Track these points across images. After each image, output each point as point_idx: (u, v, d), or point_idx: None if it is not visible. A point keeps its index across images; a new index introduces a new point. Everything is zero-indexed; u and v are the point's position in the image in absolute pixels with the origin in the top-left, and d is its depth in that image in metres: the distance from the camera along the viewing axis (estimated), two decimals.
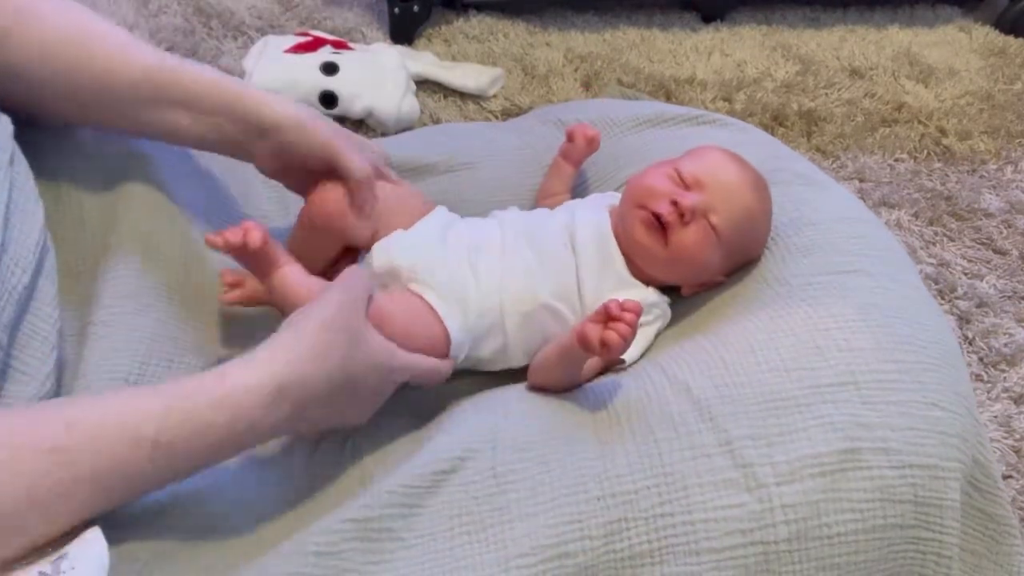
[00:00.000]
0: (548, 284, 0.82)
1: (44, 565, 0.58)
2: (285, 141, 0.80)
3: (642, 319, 0.80)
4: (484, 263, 0.83)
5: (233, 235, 0.73)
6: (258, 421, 0.61)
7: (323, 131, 0.81)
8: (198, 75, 0.78)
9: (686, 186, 0.83)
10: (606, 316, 0.71)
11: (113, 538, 0.63)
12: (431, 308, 0.80)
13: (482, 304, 0.81)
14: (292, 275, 0.77)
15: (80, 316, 0.79)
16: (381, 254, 0.84)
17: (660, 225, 0.81)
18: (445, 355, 0.81)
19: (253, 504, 0.69)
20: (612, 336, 0.69)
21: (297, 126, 0.80)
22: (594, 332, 0.70)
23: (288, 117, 0.79)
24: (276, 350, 0.64)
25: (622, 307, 0.70)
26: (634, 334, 0.71)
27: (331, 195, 0.83)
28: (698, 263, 0.83)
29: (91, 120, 0.81)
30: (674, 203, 0.80)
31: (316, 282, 0.77)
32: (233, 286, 0.82)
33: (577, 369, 0.77)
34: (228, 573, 0.63)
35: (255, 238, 0.73)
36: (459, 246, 0.84)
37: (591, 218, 0.86)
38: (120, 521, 0.65)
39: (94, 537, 0.61)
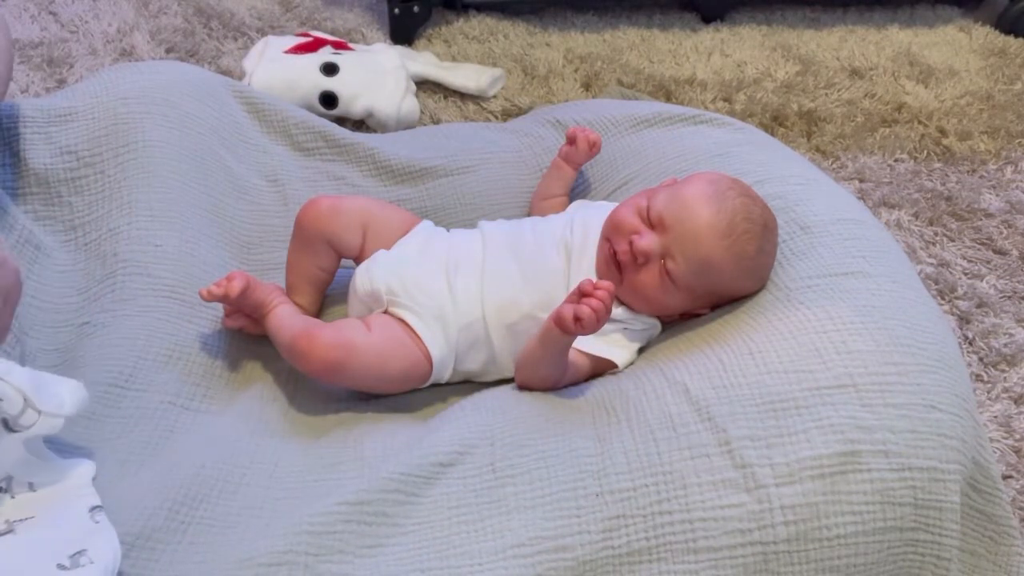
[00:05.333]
0: (532, 295, 0.82)
1: (61, 558, 0.58)
2: None
3: (625, 325, 0.82)
4: (462, 279, 0.83)
5: (217, 287, 0.79)
6: None
7: None
8: None
9: (651, 224, 0.80)
10: (579, 293, 0.73)
11: None
12: (412, 330, 0.81)
13: (462, 319, 0.82)
14: (280, 316, 0.81)
15: (76, 318, 0.79)
16: (363, 277, 0.85)
17: (617, 262, 0.81)
18: (427, 375, 0.82)
19: (243, 488, 0.70)
20: (584, 310, 0.71)
21: None
22: (568, 309, 0.72)
23: None
24: None
25: (595, 285, 0.72)
26: (608, 310, 0.72)
27: (321, 202, 0.86)
28: (654, 302, 0.82)
29: None
30: (631, 244, 0.79)
31: (304, 319, 0.82)
32: (234, 314, 0.85)
33: (560, 359, 0.77)
34: (217, 550, 0.64)
35: (235, 288, 0.79)
36: (437, 264, 0.84)
37: (591, 233, 0.86)
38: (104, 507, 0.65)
39: (107, 529, 0.62)
